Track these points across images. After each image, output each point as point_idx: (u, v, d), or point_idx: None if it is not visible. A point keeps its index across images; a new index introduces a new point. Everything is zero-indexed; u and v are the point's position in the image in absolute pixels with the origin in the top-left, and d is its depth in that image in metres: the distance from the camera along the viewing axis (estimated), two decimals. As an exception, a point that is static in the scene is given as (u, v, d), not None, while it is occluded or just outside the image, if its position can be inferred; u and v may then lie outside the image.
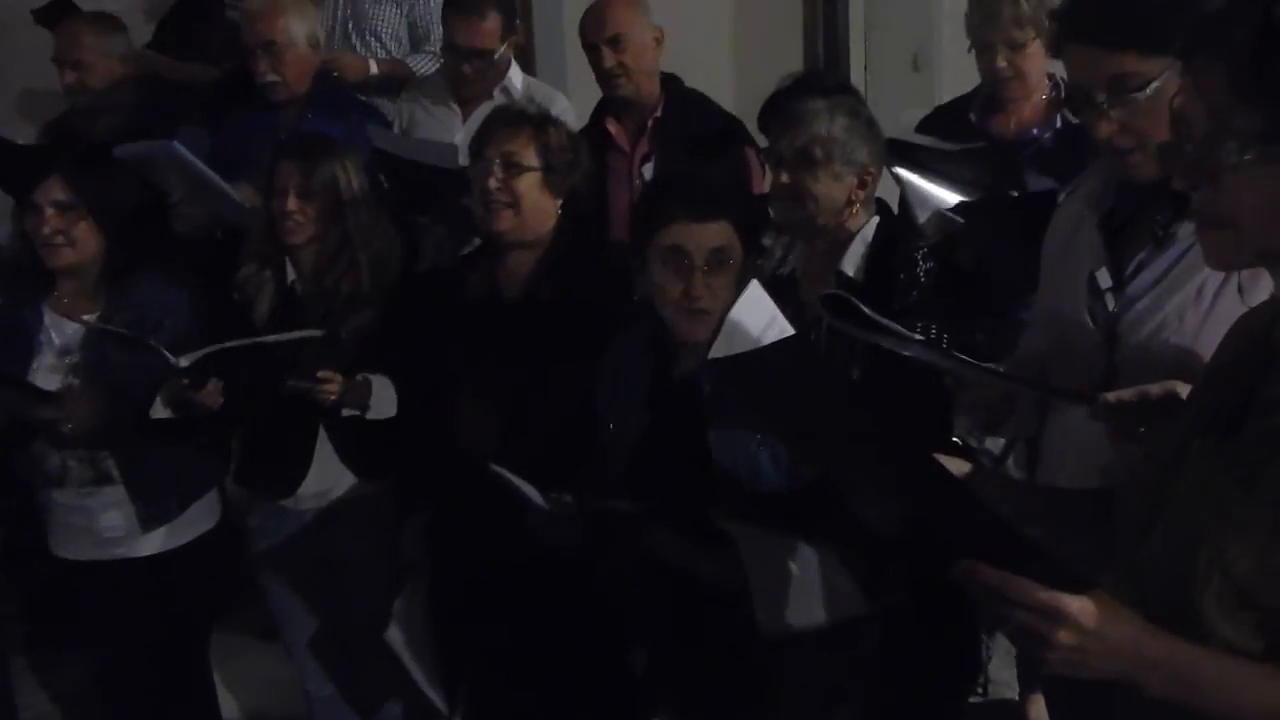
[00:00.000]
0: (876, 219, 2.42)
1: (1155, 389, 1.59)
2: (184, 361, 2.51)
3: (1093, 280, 1.80)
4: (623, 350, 2.26)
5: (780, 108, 2.39)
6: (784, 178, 2.36)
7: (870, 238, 2.37)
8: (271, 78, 3.35)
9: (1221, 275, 1.68)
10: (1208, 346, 1.62)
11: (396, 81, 3.79)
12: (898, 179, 2.71)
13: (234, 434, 2.86)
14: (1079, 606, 1.15)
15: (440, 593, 2.63)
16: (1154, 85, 1.65)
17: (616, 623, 2.37)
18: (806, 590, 1.92)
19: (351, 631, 2.83)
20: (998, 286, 2.26)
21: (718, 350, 2.05)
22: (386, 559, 2.76)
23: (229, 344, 2.57)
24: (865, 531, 1.44)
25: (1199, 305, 1.71)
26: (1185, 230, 1.73)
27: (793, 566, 1.92)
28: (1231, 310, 1.62)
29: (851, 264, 2.37)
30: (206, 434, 2.75)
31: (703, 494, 2.04)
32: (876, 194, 2.41)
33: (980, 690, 2.72)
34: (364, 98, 3.71)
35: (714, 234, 2.09)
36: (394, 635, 2.61)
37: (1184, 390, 1.56)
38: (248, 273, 2.78)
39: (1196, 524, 1.23)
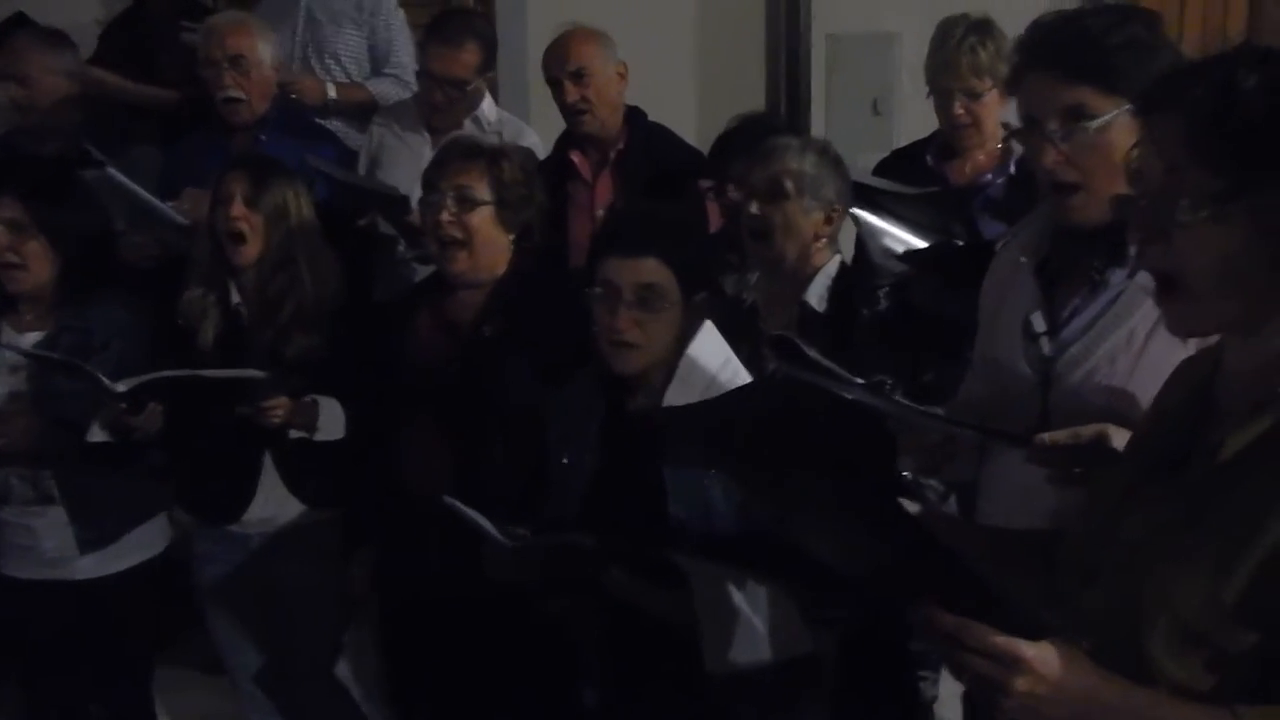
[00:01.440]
0: (839, 256, 2.50)
1: (1088, 430, 1.63)
2: (121, 387, 2.47)
3: (1028, 324, 1.84)
4: (577, 385, 2.26)
5: (751, 143, 2.46)
6: (753, 209, 2.43)
7: (834, 273, 2.45)
8: (236, 94, 3.34)
9: (1153, 320, 1.71)
10: (1139, 389, 1.68)
11: (357, 105, 3.78)
12: (855, 220, 2.75)
13: (175, 460, 2.82)
14: (1036, 654, 1.16)
15: (390, 626, 2.60)
16: (1103, 120, 1.69)
17: (568, 659, 2.35)
18: (753, 628, 1.91)
19: (299, 665, 2.80)
20: (949, 328, 2.29)
21: (673, 392, 2.06)
22: (334, 590, 2.72)
23: (168, 374, 2.53)
24: (817, 570, 1.45)
25: (1130, 349, 1.75)
26: (1118, 276, 1.78)
27: (741, 604, 1.91)
28: (1163, 354, 1.65)
29: (815, 296, 2.45)
30: (149, 459, 2.71)
31: (657, 530, 2.04)
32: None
33: (927, 729, 2.73)
34: (325, 121, 3.70)
35: (643, 270, 2.08)
36: (343, 669, 2.58)
37: (1115, 432, 1.60)
38: (192, 296, 2.75)
39: (1143, 566, 1.24)
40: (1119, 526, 1.31)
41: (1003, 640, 1.16)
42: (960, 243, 2.69)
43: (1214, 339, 1.34)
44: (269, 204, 2.68)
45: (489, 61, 3.47)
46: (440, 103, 3.41)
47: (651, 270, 2.08)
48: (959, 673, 1.20)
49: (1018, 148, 2.64)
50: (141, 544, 2.77)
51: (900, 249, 2.70)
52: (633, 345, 2.08)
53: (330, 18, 3.83)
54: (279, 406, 2.58)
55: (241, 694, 2.91)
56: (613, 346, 2.09)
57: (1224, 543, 1.18)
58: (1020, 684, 1.16)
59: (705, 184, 3.00)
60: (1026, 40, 1.83)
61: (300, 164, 3.05)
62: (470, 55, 3.38)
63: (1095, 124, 1.70)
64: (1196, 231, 1.18)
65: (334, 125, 3.76)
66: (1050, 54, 1.74)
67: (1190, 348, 1.65)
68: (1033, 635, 1.17)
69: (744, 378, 2.11)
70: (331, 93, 3.74)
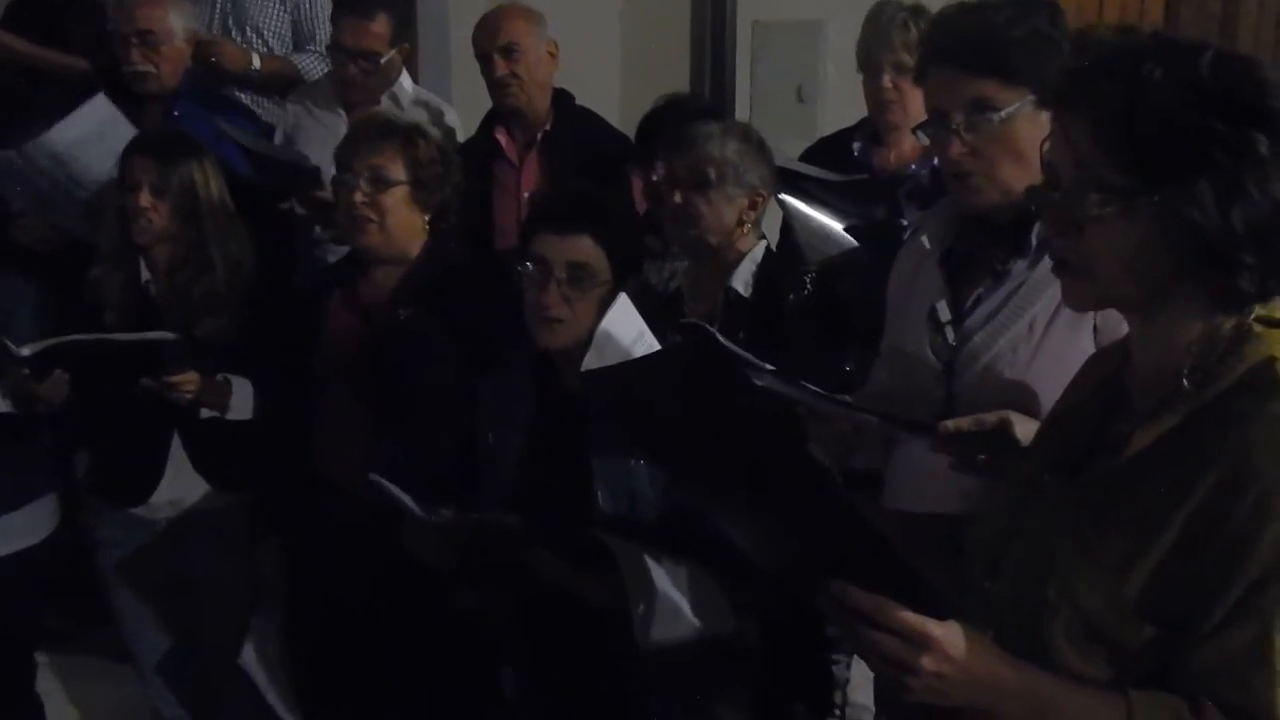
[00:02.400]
0: (765, 241, 2.51)
1: (990, 417, 1.66)
2: (26, 351, 2.40)
3: (933, 313, 1.86)
4: (506, 367, 2.24)
5: (674, 130, 2.45)
6: (677, 197, 2.43)
7: (760, 258, 2.46)
8: (144, 68, 3.24)
9: (1051, 310, 1.75)
10: (1039, 377, 1.71)
11: (280, 80, 3.69)
12: (782, 205, 2.76)
13: (80, 438, 2.73)
14: (944, 634, 1.16)
15: (298, 611, 2.56)
16: (1007, 111, 1.72)
17: (486, 642, 2.33)
18: (677, 608, 1.91)
19: (205, 651, 2.73)
20: (870, 317, 2.30)
21: (589, 362, 2.05)
22: (242, 575, 2.67)
23: (76, 337, 2.46)
24: (737, 559, 1.44)
25: (1030, 338, 1.78)
26: (1019, 267, 1.81)
27: (664, 583, 1.91)
28: (1062, 344, 1.71)
29: (740, 282, 2.46)
30: (49, 434, 2.62)
31: (583, 511, 2.03)
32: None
33: (838, 713, 2.75)
34: (243, 95, 3.62)
35: (574, 248, 2.08)
36: (249, 656, 2.52)
37: (1017, 420, 1.63)
38: (99, 273, 2.67)
39: (1047, 557, 1.25)
40: (1025, 518, 1.32)
41: (913, 618, 1.16)
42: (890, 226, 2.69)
43: (1121, 333, 1.36)
44: (176, 187, 2.62)
45: (400, 32, 3.41)
46: (354, 77, 3.34)
47: (584, 249, 2.08)
48: (865, 651, 1.20)
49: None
50: (27, 526, 2.68)
51: (825, 235, 2.71)
52: (560, 320, 2.07)
53: None
54: (189, 382, 2.51)
55: (146, 681, 2.85)
56: (541, 322, 2.08)
57: (1127, 540, 1.20)
58: (927, 663, 1.16)
59: (631, 168, 2.98)
60: (930, 34, 1.87)
61: (214, 135, 2.98)
62: (380, 26, 3.31)
63: (999, 116, 1.73)
64: (1105, 226, 1.19)
65: (252, 101, 3.67)
66: (953, 48, 1.76)
67: (1088, 339, 1.70)
68: (939, 616, 1.17)
69: (657, 348, 2.10)
70: (255, 63, 3.64)
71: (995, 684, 1.18)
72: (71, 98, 3.33)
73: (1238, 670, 1.14)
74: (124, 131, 2.93)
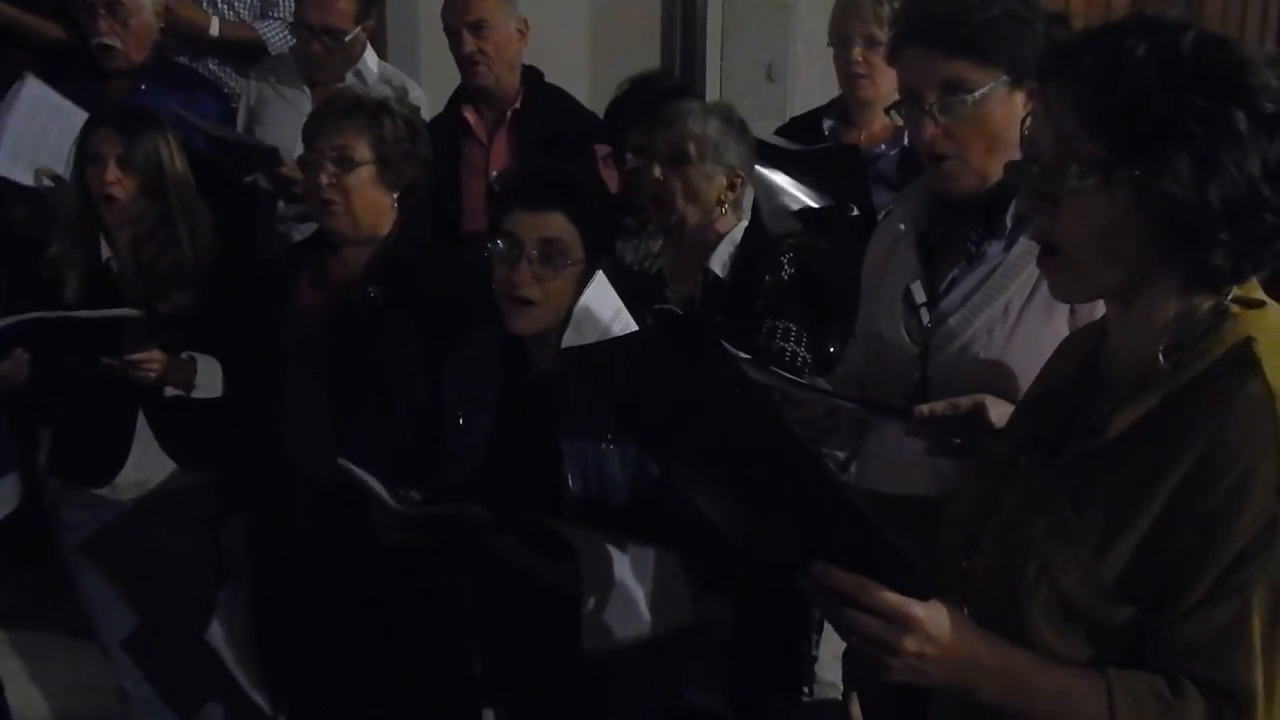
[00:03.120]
0: (744, 222, 2.50)
1: (965, 401, 1.66)
2: None
3: (908, 295, 1.86)
4: (474, 347, 2.21)
5: (652, 106, 2.44)
6: (655, 172, 2.42)
7: (738, 239, 2.45)
8: (110, 41, 3.18)
9: (1027, 293, 1.76)
10: (1014, 360, 1.72)
11: (243, 47, 3.63)
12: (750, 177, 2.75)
13: (41, 417, 2.69)
14: (926, 614, 1.16)
15: (264, 588, 2.54)
16: (981, 92, 1.73)
17: (453, 625, 2.32)
18: (634, 601, 1.89)
19: (170, 628, 2.71)
20: (849, 297, 2.31)
21: (567, 340, 2.02)
22: (207, 553, 2.65)
23: (36, 315, 2.42)
24: (711, 538, 1.44)
25: (1005, 321, 1.78)
26: (995, 249, 1.81)
27: (624, 576, 1.89)
28: (1037, 326, 1.71)
29: (718, 263, 2.45)
30: (10, 412, 2.58)
31: (550, 497, 2.02)
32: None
33: (807, 691, 2.77)
34: (203, 62, 3.56)
35: (547, 224, 2.03)
36: (215, 633, 2.51)
37: (992, 403, 1.63)
38: (58, 250, 2.62)
39: (1025, 537, 1.26)
40: (1002, 498, 1.33)
41: (895, 599, 1.16)
42: (854, 211, 2.70)
43: (1097, 314, 1.37)
44: (142, 160, 2.58)
45: (367, 9, 3.37)
46: (318, 54, 3.29)
47: (556, 225, 2.04)
48: (846, 632, 1.20)
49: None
50: None
51: (795, 207, 2.71)
52: (531, 302, 2.03)
53: None
54: (153, 360, 2.48)
55: (111, 658, 2.82)
56: (511, 303, 2.04)
57: (1106, 519, 1.20)
58: (909, 644, 1.17)
59: (603, 149, 2.96)
60: (903, 14, 1.85)
61: (172, 117, 2.93)
62: (345, 3, 3.27)
63: (972, 97, 1.73)
64: (1083, 199, 1.19)
65: (213, 67, 3.62)
66: (926, 29, 1.76)
67: (1063, 322, 1.70)
68: (920, 596, 1.17)
69: (634, 328, 2.08)
70: (214, 29, 3.58)
71: (975, 663, 1.19)
72: (40, 62, 3.28)
73: (1216, 648, 1.16)
74: (63, 112, 2.87)
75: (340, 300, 2.48)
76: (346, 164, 2.43)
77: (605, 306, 2.05)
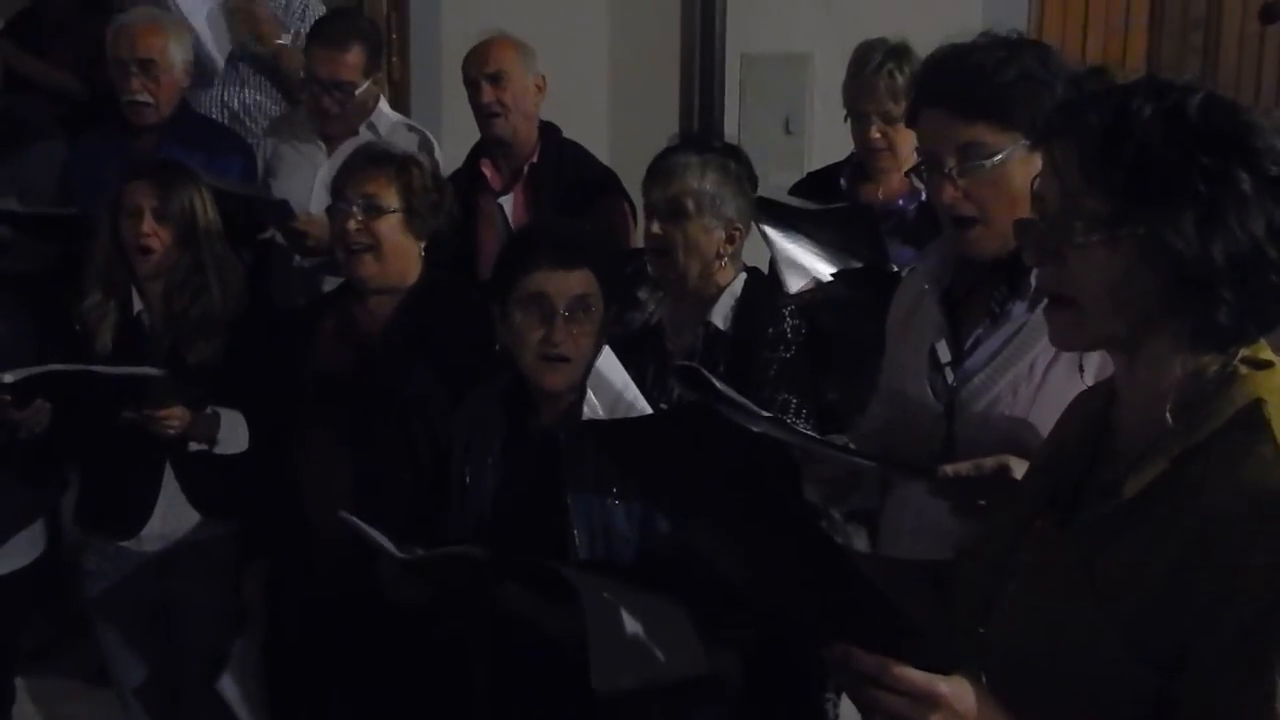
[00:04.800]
0: (745, 275, 2.50)
1: (989, 462, 1.64)
2: (9, 377, 2.38)
3: (933, 353, 1.85)
4: (481, 400, 2.22)
5: (656, 162, 2.45)
6: (655, 228, 2.43)
7: (739, 292, 2.45)
8: (143, 98, 3.25)
9: (1052, 352, 1.74)
10: (1040, 419, 1.69)
11: (288, 72, 3.68)
12: (765, 236, 2.76)
13: (64, 465, 2.71)
14: (951, 691, 1.16)
15: (278, 642, 2.54)
16: (1000, 157, 1.72)
17: (460, 678, 2.31)
18: (644, 648, 1.89)
19: (184, 677, 2.72)
20: (853, 349, 2.30)
21: (587, 406, 2.04)
22: (226, 601, 2.66)
23: (58, 367, 2.44)
24: (720, 591, 1.43)
25: (1031, 380, 1.77)
26: (1019, 308, 1.80)
27: (636, 623, 1.89)
28: (1062, 385, 1.68)
29: (720, 316, 2.45)
30: (32, 461, 2.60)
31: (559, 548, 2.01)
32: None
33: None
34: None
35: (577, 282, 2.08)
36: (227, 684, 2.50)
37: (1016, 464, 1.61)
38: (92, 303, 2.66)
39: (1041, 600, 1.26)
40: (1016, 560, 1.32)
41: (921, 677, 1.15)
42: (871, 265, 2.70)
43: (1109, 372, 1.36)
44: (176, 212, 2.62)
45: (375, 62, 3.41)
46: (329, 107, 3.33)
47: (585, 281, 2.08)
48: (870, 711, 1.19)
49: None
50: (13, 552, 2.65)
51: (807, 267, 2.71)
52: (567, 358, 2.06)
53: None
54: (175, 416, 2.50)
55: (125, 706, 2.83)
56: (544, 361, 2.07)
57: (1120, 583, 1.20)
58: None
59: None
60: (921, 78, 1.85)
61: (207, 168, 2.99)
62: (355, 57, 3.31)
63: (991, 162, 1.72)
64: (1088, 253, 1.21)
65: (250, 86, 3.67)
66: (944, 92, 1.76)
67: (1088, 380, 1.69)
68: (945, 669, 1.17)
69: (641, 401, 2.10)
70: (285, 38, 3.64)
71: None
72: (61, 117, 3.33)
73: (1243, 714, 1.14)
74: None
75: (365, 348, 2.51)
76: (375, 211, 2.46)
77: (617, 374, 2.07)
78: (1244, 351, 1.23)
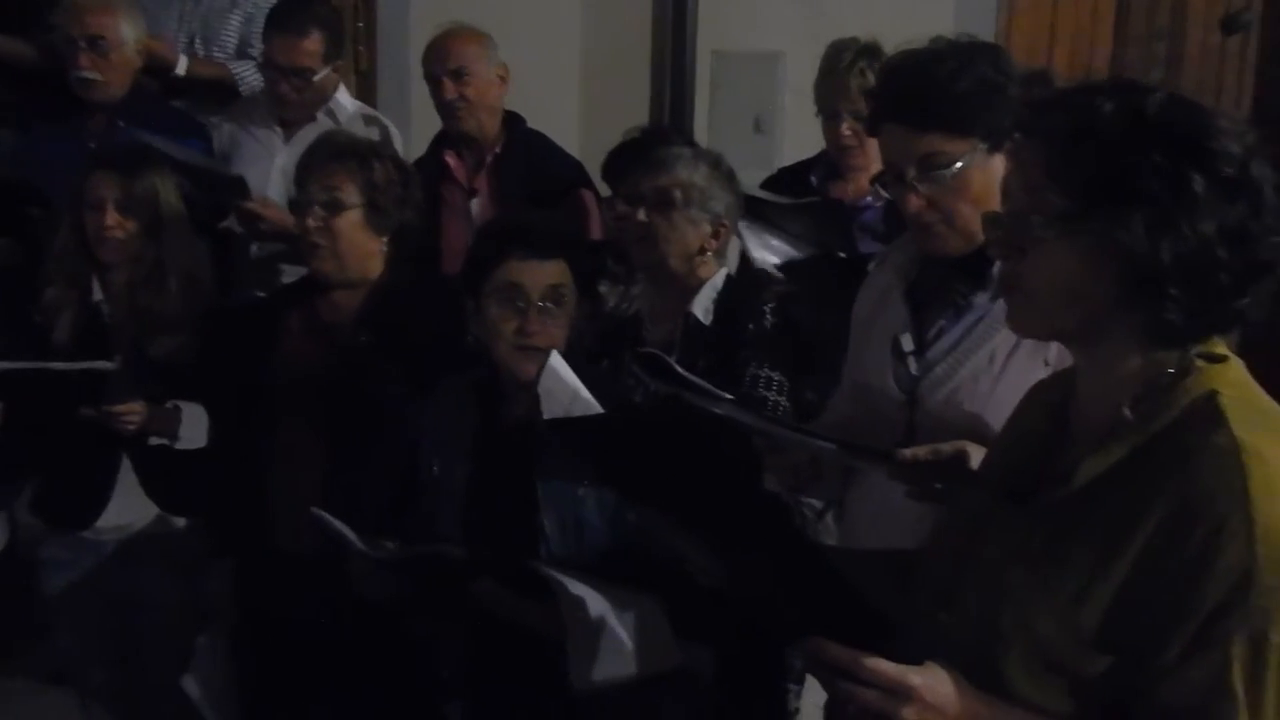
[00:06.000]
0: (726, 270, 2.51)
1: (947, 447, 1.67)
2: None
3: (897, 344, 1.88)
4: (452, 393, 2.21)
5: (644, 151, 2.46)
6: (641, 216, 2.43)
7: (720, 285, 2.45)
8: (91, 75, 3.19)
9: (1012, 342, 1.78)
10: (1000, 407, 1.70)
11: (215, 88, 3.63)
12: (737, 229, 2.76)
13: (21, 460, 2.67)
14: (924, 682, 1.18)
15: (245, 638, 2.51)
16: (959, 165, 1.75)
17: (430, 674, 2.30)
18: (619, 642, 1.89)
19: (146, 675, 2.68)
20: (830, 345, 2.32)
21: (545, 404, 2.04)
22: (189, 597, 2.63)
23: (9, 365, 2.41)
24: (692, 587, 1.43)
25: (991, 369, 1.80)
26: (982, 300, 1.83)
27: (607, 617, 1.89)
28: (1022, 375, 1.71)
29: (700, 308, 2.46)
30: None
31: (531, 539, 2.01)
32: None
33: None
34: (185, 106, 3.56)
35: (551, 272, 2.08)
36: (191, 682, 2.48)
37: (974, 450, 1.64)
38: (53, 295, 2.62)
39: (1002, 587, 1.27)
40: (976, 549, 1.33)
41: (893, 669, 1.17)
42: (841, 255, 2.72)
43: (1069, 361, 1.38)
44: (140, 202, 2.59)
45: (335, 49, 3.38)
46: (287, 94, 3.30)
47: (559, 272, 2.09)
48: (844, 703, 1.20)
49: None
50: None
51: (780, 260, 2.72)
52: (540, 348, 2.06)
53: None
54: (133, 411, 2.47)
55: (85, 705, 2.79)
56: (519, 352, 2.07)
57: (1082, 570, 1.21)
58: (909, 713, 1.18)
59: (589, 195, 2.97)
60: (878, 90, 1.88)
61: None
62: (313, 43, 3.28)
63: (950, 171, 1.75)
64: (1046, 249, 1.23)
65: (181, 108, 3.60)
66: (900, 106, 1.79)
67: (1046, 369, 1.71)
68: (916, 660, 1.18)
69: (595, 406, 2.08)
70: (182, 68, 3.57)
71: None
72: (28, 101, 3.26)
73: (1202, 701, 1.16)
74: None
75: (331, 344, 2.48)
76: (334, 207, 2.43)
77: (569, 373, 2.06)
78: (1199, 347, 1.25)
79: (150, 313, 2.59)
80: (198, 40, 3.70)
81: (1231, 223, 1.18)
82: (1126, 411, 1.24)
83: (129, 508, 2.63)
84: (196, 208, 2.82)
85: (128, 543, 2.65)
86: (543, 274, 2.07)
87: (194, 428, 2.56)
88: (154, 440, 2.54)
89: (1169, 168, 1.17)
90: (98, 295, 2.63)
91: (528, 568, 1.92)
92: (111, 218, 2.56)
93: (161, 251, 2.60)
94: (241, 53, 3.70)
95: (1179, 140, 1.19)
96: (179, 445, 2.54)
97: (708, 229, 2.47)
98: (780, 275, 2.68)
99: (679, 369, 1.75)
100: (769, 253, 2.77)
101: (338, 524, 1.99)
